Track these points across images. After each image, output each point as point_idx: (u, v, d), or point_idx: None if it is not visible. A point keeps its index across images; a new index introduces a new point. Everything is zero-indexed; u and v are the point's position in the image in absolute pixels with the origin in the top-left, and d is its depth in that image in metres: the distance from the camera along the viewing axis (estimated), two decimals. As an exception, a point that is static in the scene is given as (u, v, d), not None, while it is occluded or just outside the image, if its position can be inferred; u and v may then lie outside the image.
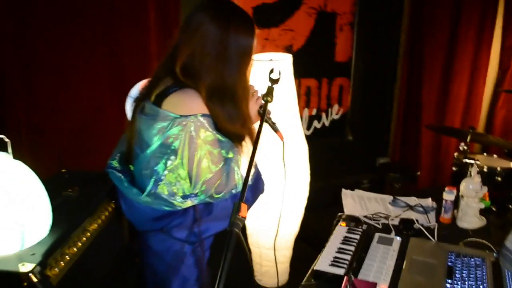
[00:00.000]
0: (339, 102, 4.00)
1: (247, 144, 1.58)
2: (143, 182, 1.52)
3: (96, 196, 1.72)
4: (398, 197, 2.25)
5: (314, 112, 3.91)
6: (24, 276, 1.25)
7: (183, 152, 1.44)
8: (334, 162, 3.92)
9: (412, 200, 2.23)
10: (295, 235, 2.68)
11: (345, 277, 1.55)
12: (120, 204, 1.67)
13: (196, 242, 1.62)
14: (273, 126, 1.63)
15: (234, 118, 1.49)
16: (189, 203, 1.51)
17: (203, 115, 1.44)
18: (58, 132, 2.90)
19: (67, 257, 1.43)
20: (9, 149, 1.37)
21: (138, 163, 1.53)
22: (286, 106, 2.47)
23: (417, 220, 1.99)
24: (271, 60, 2.45)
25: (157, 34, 3.10)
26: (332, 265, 1.69)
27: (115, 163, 1.65)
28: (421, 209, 2.11)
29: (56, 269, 1.36)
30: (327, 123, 3.99)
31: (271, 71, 1.51)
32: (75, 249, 1.48)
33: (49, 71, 2.79)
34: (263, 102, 1.50)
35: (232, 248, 1.14)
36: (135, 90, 2.49)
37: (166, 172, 1.46)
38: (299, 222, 2.67)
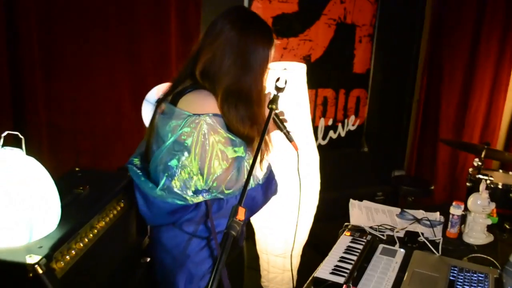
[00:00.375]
0: (355, 113, 4.01)
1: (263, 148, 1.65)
2: (157, 178, 1.58)
3: (105, 195, 1.77)
4: (406, 210, 2.25)
5: (330, 122, 3.93)
6: (30, 267, 1.30)
7: (195, 149, 1.49)
8: (349, 173, 3.92)
9: (420, 214, 2.23)
10: (303, 243, 2.70)
11: (344, 286, 1.56)
12: (136, 199, 1.71)
13: (205, 237, 1.67)
14: (288, 136, 1.66)
15: (246, 121, 1.55)
16: (200, 198, 1.56)
17: (215, 115, 1.51)
18: (77, 133, 2.99)
19: (73, 252, 1.48)
20: (23, 146, 1.43)
21: (154, 159, 1.60)
22: (299, 114, 2.49)
23: (422, 233, 1.99)
24: (285, 69, 2.48)
25: (177, 41, 3.18)
26: (332, 273, 1.71)
27: (136, 161, 1.74)
28: (427, 222, 2.11)
29: (61, 262, 1.41)
30: (343, 134, 4.00)
31: (277, 79, 1.55)
32: (81, 245, 1.53)
33: (71, 75, 2.88)
34: (272, 109, 1.53)
35: (227, 250, 1.17)
36: (152, 93, 2.56)
37: (179, 167, 1.53)
38: (308, 231, 2.69)
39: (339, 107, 3.93)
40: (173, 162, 1.53)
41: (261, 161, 1.69)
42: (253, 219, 2.65)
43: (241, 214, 1.21)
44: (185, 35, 3.20)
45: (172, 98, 1.58)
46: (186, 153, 1.51)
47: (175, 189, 1.55)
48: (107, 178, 1.92)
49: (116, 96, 3.03)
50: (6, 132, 1.41)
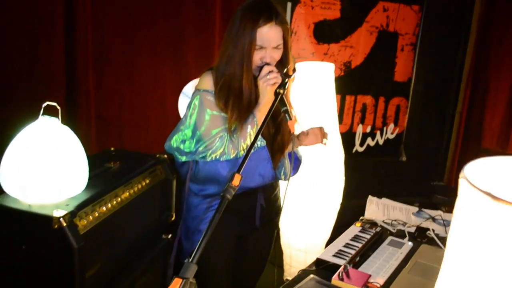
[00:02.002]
0: (395, 122, 4.03)
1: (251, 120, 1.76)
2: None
3: (133, 171, 1.96)
4: (424, 210, 2.29)
5: (368, 129, 3.98)
6: (55, 220, 1.51)
7: (191, 116, 1.76)
8: (385, 182, 3.93)
9: (438, 214, 2.26)
10: (326, 240, 2.77)
11: (342, 266, 1.65)
12: None
13: (199, 194, 1.87)
14: (286, 114, 1.67)
15: (228, 100, 1.75)
16: (183, 158, 1.79)
17: (206, 91, 1.76)
18: (122, 126, 3.24)
19: (96, 214, 1.67)
20: (59, 116, 1.64)
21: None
22: (325, 112, 2.60)
23: (433, 230, 2.03)
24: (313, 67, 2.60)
25: (220, 41, 3.37)
26: (335, 256, 1.79)
27: None
28: (441, 221, 2.14)
29: (84, 221, 1.61)
30: (381, 142, 4.02)
31: (288, 69, 1.69)
32: (104, 209, 1.72)
33: (119, 72, 3.13)
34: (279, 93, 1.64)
35: (221, 211, 1.31)
36: (188, 87, 2.75)
37: (178, 130, 1.78)
38: (331, 227, 2.76)
39: (378, 114, 3.97)
40: (179, 124, 1.81)
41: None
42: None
43: (236, 180, 1.34)
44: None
45: None
46: (185, 119, 1.78)
47: (172, 147, 1.80)
48: (138, 157, 2.12)
49: (160, 93, 3.26)
50: (46, 103, 1.63)
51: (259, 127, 1.59)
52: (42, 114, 1.63)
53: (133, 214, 1.92)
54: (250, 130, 1.74)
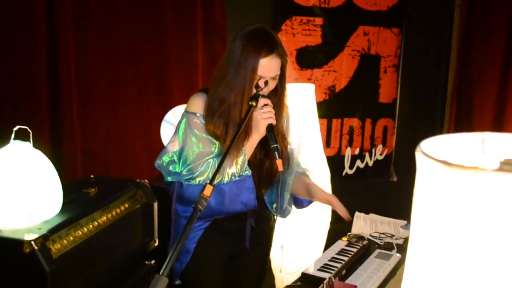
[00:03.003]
0: (383, 143, 4.02)
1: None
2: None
3: (112, 195, 1.92)
4: (413, 222, 2.24)
5: (357, 151, 3.96)
6: (27, 243, 1.46)
7: (179, 138, 1.75)
8: (377, 203, 3.86)
9: (427, 226, 2.21)
10: (317, 262, 2.70)
11: (327, 279, 1.59)
12: None
13: (183, 216, 1.82)
14: (276, 151, 1.63)
15: (218, 122, 1.71)
16: (169, 178, 1.76)
17: (194, 114, 1.73)
18: (109, 158, 3.21)
19: (71, 238, 1.62)
20: (31, 139, 1.62)
21: None
22: (308, 133, 2.58)
23: (422, 240, 1.97)
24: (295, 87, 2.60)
25: (204, 71, 3.39)
26: (320, 270, 1.74)
27: None
28: (430, 231, 2.09)
29: (58, 244, 1.56)
30: (370, 163, 4.00)
31: (259, 81, 1.68)
32: (80, 233, 1.67)
33: (104, 104, 3.13)
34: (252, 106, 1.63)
35: (192, 223, 1.27)
36: (169, 114, 2.77)
37: (167, 150, 1.77)
38: (321, 248, 2.69)
39: (366, 136, 3.96)
40: (167, 145, 1.80)
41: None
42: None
43: (207, 191, 1.31)
44: (212, 66, 3.41)
45: None
46: (171, 140, 1.76)
47: (162, 167, 1.78)
48: (117, 182, 2.08)
49: (145, 123, 3.25)
50: (17, 127, 1.61)
51: (247, 158, 1.68)
52: (14, 139, 1.60)
53: (112, 239, 1.87)
54: (238, 159, 1.70)
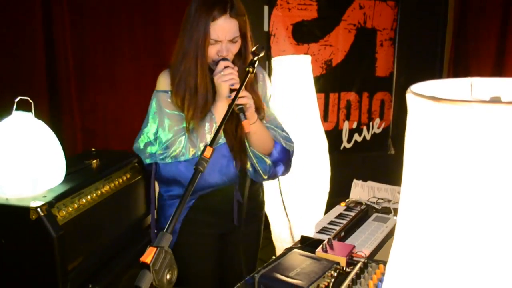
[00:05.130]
0: (380, 116, 4.05)
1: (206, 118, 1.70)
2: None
3: (113, 166, 1.96)
4: (410, 188, 2.28)
5: (354, 125, 3.99)
6: (33, 210, 1.50)
7: (151, 118, 1.73)
8: (376, 176, 3.91)
9: (424, 191, 2.25)
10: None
11: (326, 239, 1.63)
12: None
13: (164, 196, 1.80)
14: (242, 112, 1.59)
15: (186, 96, 1.68)
16: (147, 160, 1.74)
17: (163, 91, 1.72)
18: (108, 137, 3.24)
19: (76, 205, 1.66)
20: (32, 110, 1.65)
21: None
22: (304, 104, 2.61)
23: (418, 204, 2.02)
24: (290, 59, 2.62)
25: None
26: (319, 232, 1.78)
27: None
28: (427, 195, 2.13)
29: (63, 211, 1.60)
30: (368, 137, 4.04)
31: (257, 47, 1.69)
32: (84, 201, 1.71)
33: (102, 83, 3.16)
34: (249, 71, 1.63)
35: (194, 183, 1.29)
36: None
37: (143, 131, 1.76)
38: (321, 217, 2.73)
39: (363, 110, 3.99)
40: (143, 127, 1.78)
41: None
42: (267, 209, 2.74)
43: (207, 152, 1.34)
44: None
45: None
46: (145, 121, 1.75)
47: (138, 149, 1.76)
48: (118, 154, 2.11)
49: (143, 101, 3.25)
50: (18, 98, 1.63)
51: (218, 125, 1.52)
52: (16, 109, 1.63)
53: (115, 209, 1.91)
54: (208, 129, 1.67)
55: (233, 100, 1.50)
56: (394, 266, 0.73)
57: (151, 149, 1.72)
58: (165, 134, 1.69)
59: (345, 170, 3.38)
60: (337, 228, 1.80)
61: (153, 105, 1.74)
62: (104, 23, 3.06)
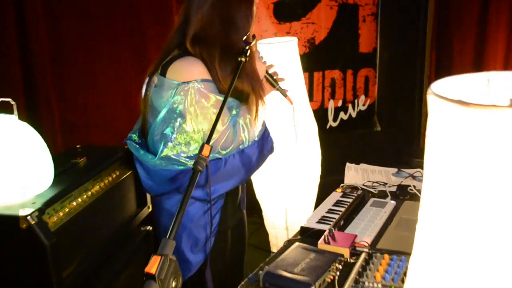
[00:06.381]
0: (365, 93, 4.04)
1: (258, 104, 1.73)
2: (156, 148, 1.66)
3: (101, 164, 1.89)
4: (403, 169, 2.28)
5: (340, 103, 3.98)
6: (23, 219, 1.43)
7: (189, 115, 1.58)
8: (363, 154, 3.90)
9: (417, 171, 2.26)
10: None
11: (327, 230, 1.62)
12: (138, 173, 1.78)
13: (208, 201, 1.70)
14: (281, 91, 1.83)
15: (241, 76, 1.62)
16: (189, 163, 1.62)
17: (203, 80, 1.59)
18: (90, 127, 3.15)
19: (67, 210, 1.60)
20: (15, 112, 1.57)
21: (151, 132, 1.68)
22: (294, 88, 2.56)
23: (414, 186, 2.02)
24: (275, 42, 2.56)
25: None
26: (319, 222, 1.77)
27: (134, 136, 1.81)
28: (422, 177, 2.13)
29: (54, 217, 1.54)
30: (354, 115, 4.03)
31: (248, 35, 1.64)
32: (74, 204, 1.65)
33: (80, 71, 3.05)
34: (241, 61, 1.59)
35: (194, 184, 1.25)
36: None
37: (174, 133, 1.60)
38: (313, 203, 2.74)
39: (348, 87, 3.98)
40: (168, 130, 1.61)
41: (255, 118, 1.73)
42: (258, 195, 2.73)
43: (205, 150, 1.30)
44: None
45: (161, 69, 1.66)
46: (179, 120, 1.59)
47: (172, 155, 1.61)
48: (105, 151, 2.05)
49: (124, 88, 3.17)
50: (-1, 100, 1.55)
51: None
52: (-4, 112, 1.55)
53: (107, 208, 1.86)
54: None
55: (235, 72, 1.54)
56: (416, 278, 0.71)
57: (196, 148, 1.62)
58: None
59: (333, 149, 3.37)
60: (336, 216, 1.80)
61: (194, 97, 1.58)
62: (79, 7, 2.95)
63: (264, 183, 2.67)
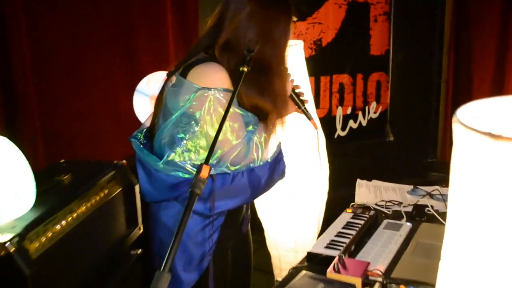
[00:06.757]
0: (377, 100, 4.04)
1: (278, 124, 1.77)
2: (162, 151, 1.66)
3: (88, 181, 1.89)
4: (419, 186, 2.27)
5: (349, 111, 3.97)
6: (1, 246, 1.42)
7: (204, 123, 1.59)
8: (374, 165, 3.92)
9: (436, 189, 2.25)
10: (317, 235, 2.73)
11: (337, 257, 1.61)
12: (138, 175, 1.76)
13: (208, 215, 1.71)
14: (307, 113, 1.84)
15: (266, 93, 1.66)
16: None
17: (225, 90, 1.60)
18: (75, 137, 3.13)
19: (50, 234, 1.59)
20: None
21: (160, 132, 1.68)
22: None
23: (432, 206, 2.01)
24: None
25: (175, 33, 3.30)
26: (327, 247, 1.75)
27: (139, 135, 1.81)
28: (440, 196, 2.12)
29: (36, 243, 1.53)
30: (364, 123, 4.03)
31: (250, 42, 1.63)
32: (58, 227, 1.64)
33: (64, 77, 3.03)
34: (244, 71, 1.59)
35: (191, 209, 1.24)
36: (143, 83, 2.70)
37: (185, 140, 1.61)
38: (319, 221, 2.72)
39: (358, 93, 3.97)
40: (180, 135, 1.62)
41: (270, 137, 1.75)
42: (260, 213, 2.71)
43: (204, 172, 1.28)
44: (183, 26, 3.33)
45: (182, 69, 1.68)
46: (194, 126, 1.60)
47: (179, 161, 1.61)
48: (92, 166, 2.04)
49: (112, 96, 3.17)
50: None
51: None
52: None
53: (94, 231, 1.84)
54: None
55: (238, 83, 1.52)
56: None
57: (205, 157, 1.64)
58: (230, 138, 1.62)
59: (341, 161, 3.36)
60: (346, 241, 1.78)
61: (212, 106, 1.58)
62: (63, 6, 2.94)
63: (267, 200, 2.65)
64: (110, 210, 1.96)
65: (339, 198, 2.74)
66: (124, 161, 2.10)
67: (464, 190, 0.73)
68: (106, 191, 1.93)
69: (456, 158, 0.75)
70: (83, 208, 1.78)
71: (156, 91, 2.70)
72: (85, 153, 3.03)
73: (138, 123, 2.77)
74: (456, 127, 0.73)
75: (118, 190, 2.00)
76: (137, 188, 2.07)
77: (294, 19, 1.75)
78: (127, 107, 3.12)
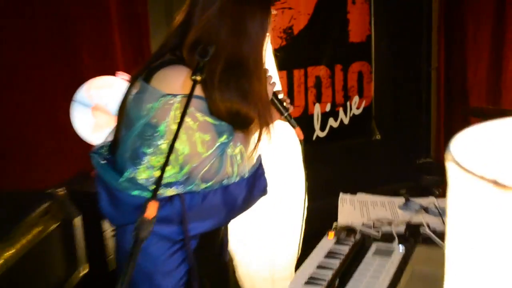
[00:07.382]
0: (359, 93, 4.04)
1: (261, 134, 1.73)
2: (124, 166, 1.64)
3: (15, 218, 1.80)
4: (412, 199, 2.24)
5: (328, 108, 3.96)
6: None
7: (170, 135, 1.55)
8: (360, 169, 3.91)
9: (431, 203, 2.22)
10: (295, 259, 2.69)
11: (317, 296, 1.56)
12: (98, 195, 1.73)
13: (177, 240, 1.69)
14: (290, 121, 1.83)
15: (249, 98, 1.64)
16: (171, 191, 1.61)
17: (193, 96, 1.54)
18: (3, 161, 2.99)
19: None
20: None
21: (121, 145, 1.68)
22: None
23: (428, 224, 1.98)
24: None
25: (121, 27, 3.22)
26: (308, 283, 1.70)
27: (103, 150, 1.79)
28: (436, 210, 2.10)
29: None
30: (346, 121, 4.02)
31: (202, 47, 1.58)
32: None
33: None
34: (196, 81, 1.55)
35: (136, 257, 1.17)
36: (81, 92, 2.62)
37: (148, 155, 1.60)
38: (298, 243, 2.67)
39: (337, 87, 3.95)
40: (144, 149, 1.60)
41: (253, 150, 1.75)
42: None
43: (150, 211, 1.21)
44: (131, 17, 3.25)
45: (146, 73, 1.65)
46: (158, 139, 1.58)
47: (141, 180, 1.61)
48: (20, 198, 1.96)
49: (48, 105, 3.05)
50: None
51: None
52: None
53: (24, 278, 1.77)
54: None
55: (190, 93, 1.49)
56: None
57: (172, 174, 1.62)
58: (199, 151, 1.60)
59: (321, 166, 3.34)
60: (329, 273, 1.75)
61: (178, 114, 1.54)
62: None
63: (237, 220, 2.61)
64: (46, 251, 1.89)
65: (319, 210, 2.70)
66: (61, 190, 2.01)
67: (463, 241, 0.70)
68: (40, 228, 1.86)
69: (452, 205, 0.71)
70: (9, 252, 1.69)
71: (99, 100, 2.67)
72: (13, 179, 2.91)
73: (80, 139, 2.69)
74: (450, 167, 0.68)
75: (54, 226, 1.92)
76: (77, 221, 1.99)
77: (274, 12, 1.73)
78: (67, 118, 3.02)
